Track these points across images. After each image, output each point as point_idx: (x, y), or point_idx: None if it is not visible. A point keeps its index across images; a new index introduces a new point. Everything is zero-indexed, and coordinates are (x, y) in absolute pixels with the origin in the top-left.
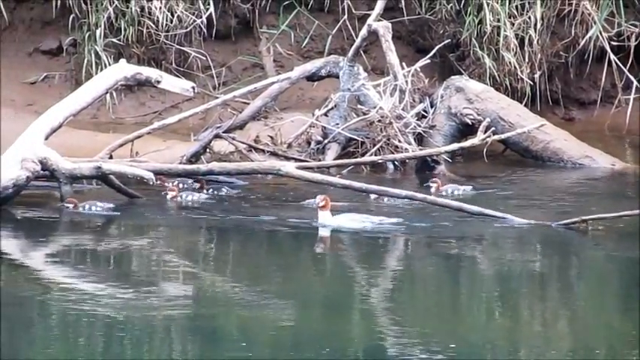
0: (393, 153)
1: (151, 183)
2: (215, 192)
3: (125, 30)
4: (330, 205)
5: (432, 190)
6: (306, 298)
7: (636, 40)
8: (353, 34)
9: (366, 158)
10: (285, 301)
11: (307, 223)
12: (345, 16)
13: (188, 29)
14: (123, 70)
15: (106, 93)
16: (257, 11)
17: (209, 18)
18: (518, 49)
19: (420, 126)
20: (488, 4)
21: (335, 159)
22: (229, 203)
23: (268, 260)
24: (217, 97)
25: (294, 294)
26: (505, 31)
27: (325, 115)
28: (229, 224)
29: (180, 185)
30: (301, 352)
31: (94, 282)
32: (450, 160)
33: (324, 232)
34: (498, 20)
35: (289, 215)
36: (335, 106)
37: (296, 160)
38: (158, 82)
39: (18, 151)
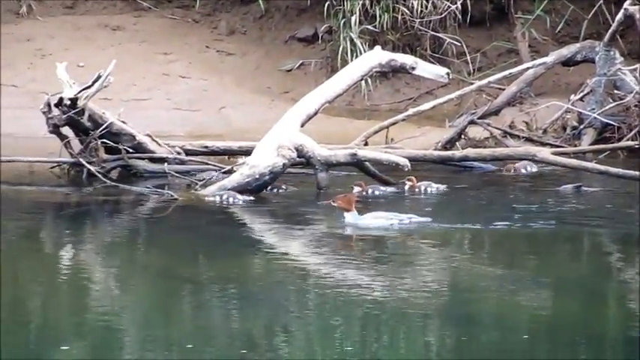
0: None
1: (406, 169)
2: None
3: (380, 17)
4: (353, 203)
5: (407, 187)
6: (559, 283)
7: None
8: (609, 19)
9: (623, 143)
10: (539, 287)
11: (559, 207)
12: (601, 1)
13: (443, 15)
14: (378, 56)
15: (361, 80)
16: None
17: (464, 4)
18: None
19: None
20: None
21: (591, 144)
22: (482, 189)
23: (521, 245)
24: (472, 83)
25: (548, 280)
26: None
27: (581, 100)
28: (481, 208)
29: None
30: (557, 338)
31: (350, 268)
32: None
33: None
34: None
35: (543, 200)
36: (591, 91)
37: (551, 145)
38: (413, 68)
39: (274, 139)
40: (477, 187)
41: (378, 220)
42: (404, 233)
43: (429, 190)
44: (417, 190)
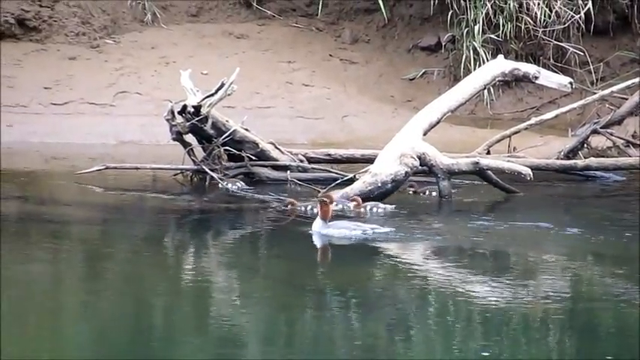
0: None
1: (528, 179)
2: None
3: (503, 26)
4: (329, 213)
5: (351, 207)
6: None
7: None
8: None
9: None
10: None
11: None
12: None
13: (566, 25)
14: (501, 65)
15: (484, 89)
16: (636, 6)
17: (587, 13)
18: None
19: None
20: None
21: None
22: (603, 198)
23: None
24: (595, 93)
25: None
26: None
27: None
28: (586, 218)
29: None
30: None
31: (469, 276)
32: None
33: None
34: None
35: None
36: None
37: None
38: (536, 77)
39: (397, 147)
40: (600, 193)
41: (339, 231)
42: (527, 245)
43: (374, 210)
44: (361, 209)
